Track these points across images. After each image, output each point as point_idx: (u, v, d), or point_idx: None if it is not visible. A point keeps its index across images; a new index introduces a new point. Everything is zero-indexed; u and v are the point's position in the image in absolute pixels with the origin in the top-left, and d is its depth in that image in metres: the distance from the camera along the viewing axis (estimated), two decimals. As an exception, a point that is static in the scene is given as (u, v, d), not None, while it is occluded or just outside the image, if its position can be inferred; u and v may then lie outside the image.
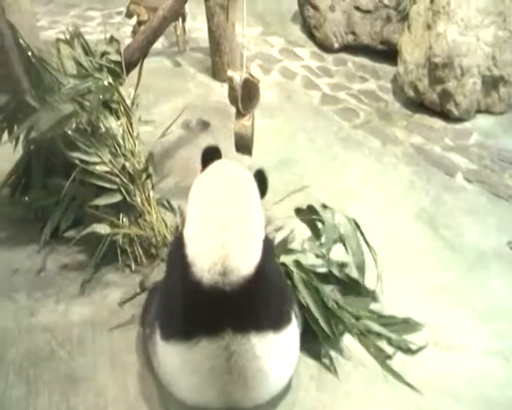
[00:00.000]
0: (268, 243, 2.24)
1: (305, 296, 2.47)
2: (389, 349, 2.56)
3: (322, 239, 2.76)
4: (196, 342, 2.02)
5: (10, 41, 2.72)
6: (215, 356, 2.02)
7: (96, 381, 2.32)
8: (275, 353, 2.10)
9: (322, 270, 2.70)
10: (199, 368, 2.05)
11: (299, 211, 2.84)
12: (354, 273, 2.73)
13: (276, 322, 2.13)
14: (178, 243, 2.16)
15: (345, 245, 2.72)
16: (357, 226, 2.75)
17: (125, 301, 2.60)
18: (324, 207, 2.82)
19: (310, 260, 2.71)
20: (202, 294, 2.02)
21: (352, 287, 2.73)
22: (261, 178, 2.50)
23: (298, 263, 2.56)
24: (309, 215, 2.80)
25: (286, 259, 2.53)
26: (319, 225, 2.78)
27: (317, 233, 2.80)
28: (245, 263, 2.05)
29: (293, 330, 2.23)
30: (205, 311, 2.03)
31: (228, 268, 2.02)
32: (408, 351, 2.56)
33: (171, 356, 2.11)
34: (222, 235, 2.08)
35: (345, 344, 2.53)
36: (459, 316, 2.76)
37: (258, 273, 2.06)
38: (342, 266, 2.78)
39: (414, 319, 2.67)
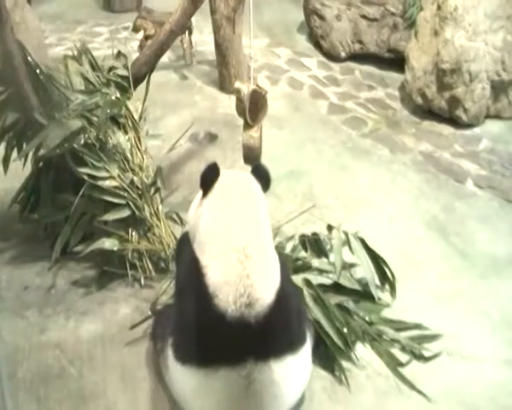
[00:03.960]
0: (283, 260, 2.19)
1: (317, 313, 2.47)
2: (402, 357, 2.53)
3: (331, 258, 2.79)
4: (215, 370, 1.97)
5: (19, 59, 2.74)
6: (234, 384, 1.97)
7: (106, 398, 2.31)
8: (291, 374, 2.07)
9: (332, 281, 2.71)
10: (215, 394, 2.00)
11: (303, 238, 2.85)
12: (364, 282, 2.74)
13: (294, 344, 2.09)
14: (194, 270, 2.07)
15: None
16: (364, 243, 2.76)
17: (136, 325, 2.59)
18: (330, 228, 2.83)
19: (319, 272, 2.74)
20: (226, 326, 1.96)
21: (364, 295, 2.72)
22: (262, 174, 2.31)
23: (308, 282, 2.57)
24: (314, 243, 2.83)
25: (295, 278, 2.52)
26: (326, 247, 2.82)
27: (324, 254, 2.83)
28: (268, 291, 2.00)
29: (307, 347, 2.20)
30: (227, 342, 1.97)
31: (253, 299, 1.96)
32: (421, 358, 2.54)
33: (185, 378, 2.07)
34: (246, 263, 2.01)
35: (358, 354, 2.51)
36: (472, 324, 2.73)
37: (280, 299, 2.02)
38: (352, 276, 2.79)
39: (426, 326, 2.65)
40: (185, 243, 2.34)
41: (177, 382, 2.15)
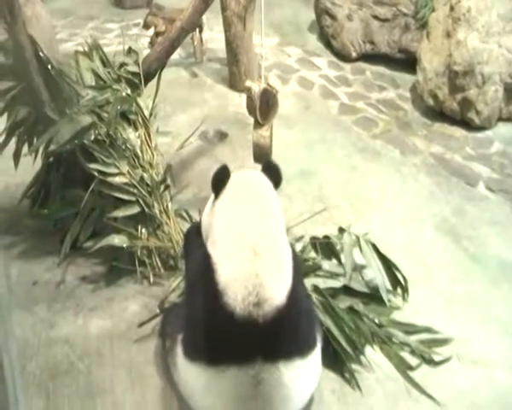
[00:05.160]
0: (296, 259, 2.17)
1: (326, 320, 2.45)
2: (412, 360, 2.51)
3: (342, 259, 2.79)
4: (224, 369, 1.96)
5: (30, 54, 2.74)
6: (242, 384, 1.96)
7: (114, 394, 2.31)
8: (301, 379, 2.05)
9: (341, 284, 2.71)
10: (224, 393, 1.99)
11: (314, 240, 2.84)
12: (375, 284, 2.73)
13: (304, 348, 2.08)
14: (205, 266, 2.06)
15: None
16: (376, 248, 2.74)
17: (145, 322, 2.58)
18: (341, 230, 2.82)
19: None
20: (234, 324, 1.95)
21: (374, 297, 2.71)
22: (273, 171, 2.32)
23: (316, 288, 2.56)
24: (325, 246, 2.83)
25: (305, 281, 2.48)
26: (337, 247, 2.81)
27: (336, 257, 2.82)
28: (278, 291, 1.98)
29: (317, 352, 2.18)
30: (235, 340, 1.96)
31: (262, 298, 1.95)
32: (431, 362, 2.52)
33: (194, 376, 2.06)
34: (255, 261, 2.00)
35: (367, 356, 2.49)
36: (483, 329, 2.70)
37: (290, 301, 2.00)
38: (363, 278, 2.78)
39: (436, 329, 2.63)
40: (193, 235, 2.34)
41: (185, 380, 2.14)
